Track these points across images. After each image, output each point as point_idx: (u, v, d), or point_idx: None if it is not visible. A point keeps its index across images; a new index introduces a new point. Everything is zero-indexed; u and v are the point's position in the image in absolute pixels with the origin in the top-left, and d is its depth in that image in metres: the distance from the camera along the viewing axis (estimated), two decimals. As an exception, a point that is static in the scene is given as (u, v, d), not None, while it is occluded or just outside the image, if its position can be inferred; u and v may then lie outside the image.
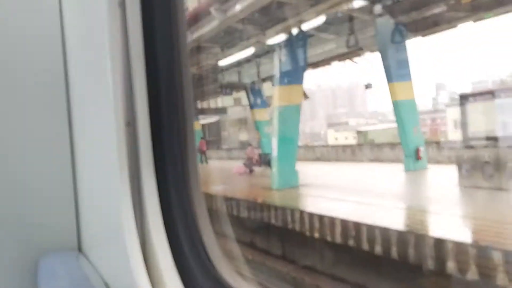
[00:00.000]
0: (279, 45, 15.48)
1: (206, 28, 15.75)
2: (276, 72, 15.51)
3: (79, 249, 2.03)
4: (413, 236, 8.39)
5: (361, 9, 14.49)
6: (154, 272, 1.48)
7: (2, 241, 1.93)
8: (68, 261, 1.90)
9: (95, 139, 1.80)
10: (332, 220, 10.11)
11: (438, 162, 19.35)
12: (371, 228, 9.15)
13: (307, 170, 19.68)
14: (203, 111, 34.15)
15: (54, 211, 2.03)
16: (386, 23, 15.49)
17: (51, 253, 1.94)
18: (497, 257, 6.97)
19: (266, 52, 18.08)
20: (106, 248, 1.80)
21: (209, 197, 15.29)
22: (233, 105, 38.29)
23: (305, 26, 14.64)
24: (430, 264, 7.98)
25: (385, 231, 8.85)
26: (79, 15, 1.88)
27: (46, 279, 1.72)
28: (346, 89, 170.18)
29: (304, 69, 16.16)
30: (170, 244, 1.52)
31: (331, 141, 54.32)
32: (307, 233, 10.84)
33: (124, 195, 1.51)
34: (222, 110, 32.81)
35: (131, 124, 1.54)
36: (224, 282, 1.51)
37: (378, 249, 9.02)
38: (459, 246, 7.53)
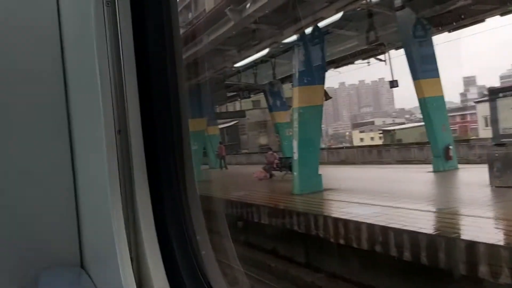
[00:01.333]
0: (297, 44, 15.10)
1: (222, 30, 15.53)
2: (295, 73, 15.13)
3: (82, 265, 1.95)
4: (444, 240, 7.96)
5: (383, 3, 14.03)
6: None
7: (3, 256, 1.87)
8: (68, 277, 1.87)
9: (87, 149, 1.78)
10: (357, 225, 9.70)
11: (469, 161, 18.74)
12: (399, 233, 8.72)
13: (331, 174, 19.29)
14: (221, 115, 34.11)
15: (56, 226, 1.96)
16: (410, 18, 15.01)
17: (52, 269, 1.87)
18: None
19: (284, 51, 17.78)
20: (102, 264, 1.76)
21: (228, 204, 15.09)
22: (252, 107, 38.11)
23: (324, 23, 14.21)
24: (462, 268, 7.56)
25: (414, 235, 8.40)
26: (75, 17, 1.86)
27: None
28: (371, 88, 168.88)
29: (324, 68, 15.76)
30: (164, 261, 1.49)
31: (356, 142, 53.72)
32: (332, 240, 10.44)
33: (115, 209, 1.47)
34: (240, 113, 32.63)
35: (122, 131, 1.51)
36: None
37: (407, 255, 8.60)
38: (493, 249, 7.09)
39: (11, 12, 1.90)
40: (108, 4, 1.52)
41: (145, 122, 1.51)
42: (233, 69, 21.73)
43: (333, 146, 45.36)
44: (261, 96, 28.10)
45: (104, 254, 1.67)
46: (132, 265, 1.44)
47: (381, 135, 48.99)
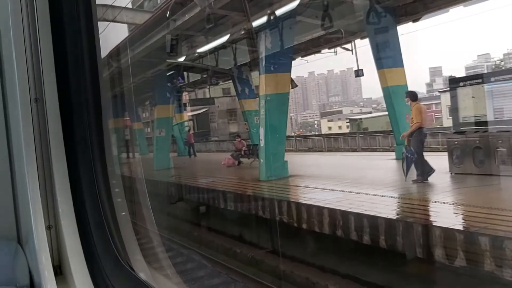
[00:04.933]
0: (263, 30, 15.09)
1: (188, 16, 15.39)
2: (262, 60, 15.15)
3: (18, 240, 1.91)
4: (401, 224, 8.17)
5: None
6: (62, 256, 1.47)
7: None
8: (3, 253, 1.79)
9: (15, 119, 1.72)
10: (319, 210, 9.87)
11: (432, 149, 19.25)
12: (359, 218, 8.93)
13: (298, 161, 19.55)
14: (188, 102, 33.93)
15: None
16: (374, 7, 15.16)
17: None
18: (484, 242, 6.76)
19: (251, 38, 17.78)
20: (31, 236, 1.71)
21: (196, 190, 15.14)
22: (222, 95, 37.94)
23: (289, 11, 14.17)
24: (418, 251, 7.78)
25: (373, 220, 8.61)
26: None
27: None
28: (339, 77, 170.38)
29: (291, 56, 15.84)
30: (78, 227, 1.49)
31: (324, 130, 54.29)
32: (295, 224, 10.60)
33: (31, 181, 1.46)
34: (209, 101, 32.45)
35: (39, 100, 1.48)
36: (126, 266, 1.51)
37: (366, 239, 8.80)
38: (448, 233, 7.30)
39: None
40: None
41: (61, 91, 1.50)
42: (201, 55, 21.60)
43: (302, 134, 45.76)
44: (230, 84, 28.04)
45: (30, 226, 1.66)
46: (49, 233, 1.46)
47: (348, 123, 49.66)
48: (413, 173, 11.50)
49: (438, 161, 13.15)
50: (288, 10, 14.05)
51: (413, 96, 12.14)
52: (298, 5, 13.59)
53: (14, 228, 1.82)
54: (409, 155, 11.44)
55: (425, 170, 11.39)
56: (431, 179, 11.41)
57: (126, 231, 1.58)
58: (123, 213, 1.61)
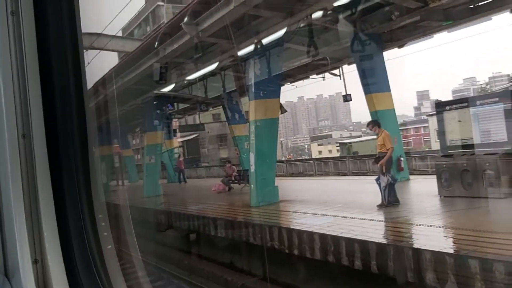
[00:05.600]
0: (252, 57, 15.26)
1: (177, 44, 15.55)
2: (251, 86, 15.28)
3: (6, 273, 1.87)
4: (392, 249, 8.18)
5: (334, 20, 14.36)
6: None
7: None
8: None
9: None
10: (310, 235, 9.85)
11: (421, 172, 19.38)
12: (350, 243, 8.92)
13: (288, 185, 19.56)
14: (178, 128, 34.01)
15: None
16: (359, 35, 15.42)
17: None
18: (473, 265, 6.79)
19: (240, 65, 17.96)
20: (18, 270, 1.70)
21: (186, 217, 15.05)
22: (212, 121, 38.11)
23: (277, 38, 14.38)
24: (409, 275, 7.77)
25: (364, 245, 8.61)
26: None
27: None
28: (328, 102, 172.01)
29: (279, 82, 16.01)
30: (65, 263, 1.49)
31: (314, 155, 54.47)
32: (286, 250, 10.55)
33: (18, 217, 1.46)
34: (199, 127, 32.57)
35: (27, 136, 1.47)
36: None
37: (358, 264, 8.78)
38: (438, 257, 7.32)
39: None
40: (13, 13, 1.53)
41: (49, 126, 1.52)
42: (191, 82, 21.76)
43: (292, 159, 45.93)
44: (221, 109, 28.19)
45: (17, 260, 1.67)
46: (35, 267, 1.47)
47: (338, 147, 49.92)
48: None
49: (428, 184, 13.27)
50: (275, 38, 14.24)
51: (378, 123, 12.56)
52: (285, 33, 13.79)
53: (1, 261, 1.83)
54: (392, 181, 11.70)
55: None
56: (420, 202, 11.48)
57: (112, 265, 1.58)
58: (109, 247, 1.62)
